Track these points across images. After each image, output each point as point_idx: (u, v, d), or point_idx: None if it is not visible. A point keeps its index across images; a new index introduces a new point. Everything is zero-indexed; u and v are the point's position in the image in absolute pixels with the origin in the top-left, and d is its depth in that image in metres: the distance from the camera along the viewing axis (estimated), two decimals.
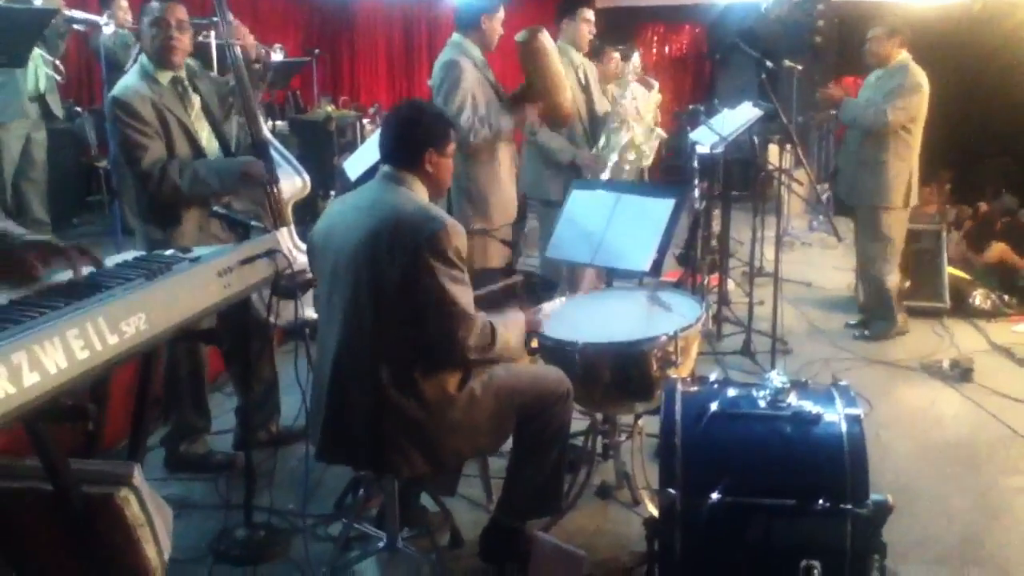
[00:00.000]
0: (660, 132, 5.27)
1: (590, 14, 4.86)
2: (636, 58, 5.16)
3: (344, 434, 2.60)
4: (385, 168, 2.69)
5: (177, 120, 3.30)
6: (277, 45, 7.11)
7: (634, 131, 5.00)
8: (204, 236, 3.28)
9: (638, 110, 5.03)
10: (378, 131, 3.06)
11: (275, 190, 3.51)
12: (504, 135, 4.11)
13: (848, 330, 5.36)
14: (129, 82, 3.28)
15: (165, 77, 3.32)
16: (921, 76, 4.93)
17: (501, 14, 4.18)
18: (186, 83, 3.39)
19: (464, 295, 2.52)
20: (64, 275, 1.97)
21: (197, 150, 3.36)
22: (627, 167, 4.94)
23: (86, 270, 1.99)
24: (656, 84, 5.60)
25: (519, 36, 4.01)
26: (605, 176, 4.82)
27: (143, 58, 3.33)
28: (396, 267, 2.47)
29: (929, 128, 5.08)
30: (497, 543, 2.89)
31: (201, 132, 3.40)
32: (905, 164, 5.01)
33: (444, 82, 4.03)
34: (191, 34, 3.38)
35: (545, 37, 4.06)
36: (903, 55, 5.01)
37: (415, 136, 2.67)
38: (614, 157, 4.93)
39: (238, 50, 3.49)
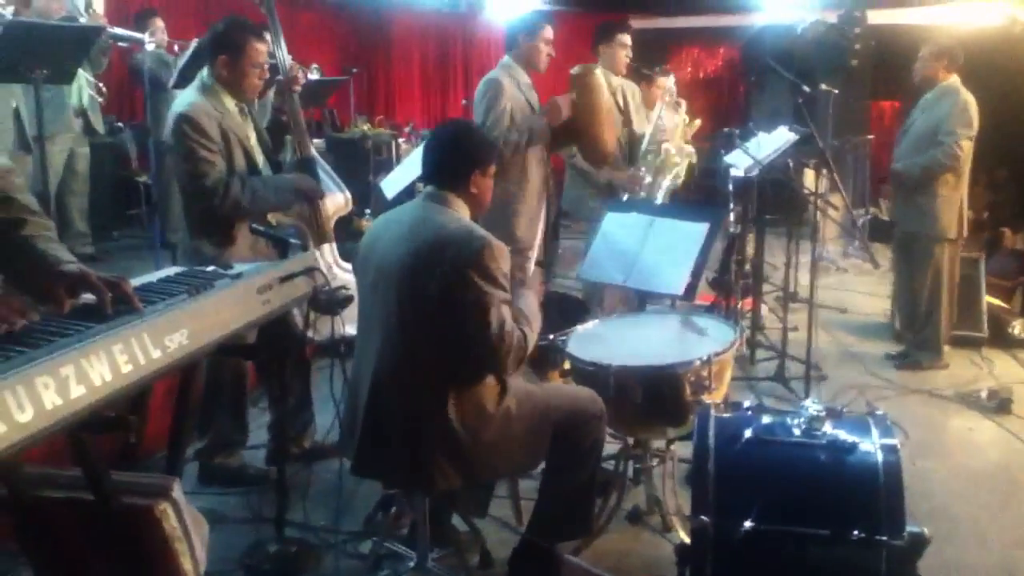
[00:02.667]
0: (691, 150, 5.28)
1: (627, 39, 4.91)
2: (671, 82, 5.19)
3: (380, 448, 2.62)
4: (428, 188, 2.71)
5: (239, 141, 3.35)
6: (314, 65, 7.22)
7: (670, 152, 5.03)
8: (254, 255, 3.31)
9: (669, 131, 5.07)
10: (416, 151, 3.11)
11: (320, 206, 3.56)
12: (537, 138, 4.07)
13: (886, 359, 5.28)
14: (194, 99, 3.30)
15: (230, 102, 3.37)
16: (970, 99, 4.86)
17: (546, 33, 4.20)
18: (246, 109, 3.45)
19: (506, 315, 2.54)
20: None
21: (255, 171, 3.41)
22: (665, 184, 4.98)
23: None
24: (684, 104, 5.61)
25: (574, 70, 4.06)
26: (643, 195, 4.85)
27: (207, 79, 3.35)
28: (438, 285, 2.49)
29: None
30: (527, 565, 2.88)
31: (258, 157, 3.46)
32: (956, 194, 4.95)
33: (484, 97, 4.08)
34: None
35: (599, 74, 4.10)
36: (952, 79, 4.95)
37: (462, 158, 2.69)
38: (649, 178, 4.96)
39: (288, 68, 3.57)
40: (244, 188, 3.29)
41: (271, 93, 3.80)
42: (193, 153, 3.24)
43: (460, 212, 2.67)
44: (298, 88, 3.70)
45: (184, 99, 3.34)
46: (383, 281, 2.60)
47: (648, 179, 4.95)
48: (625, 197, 4.81)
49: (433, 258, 2.51)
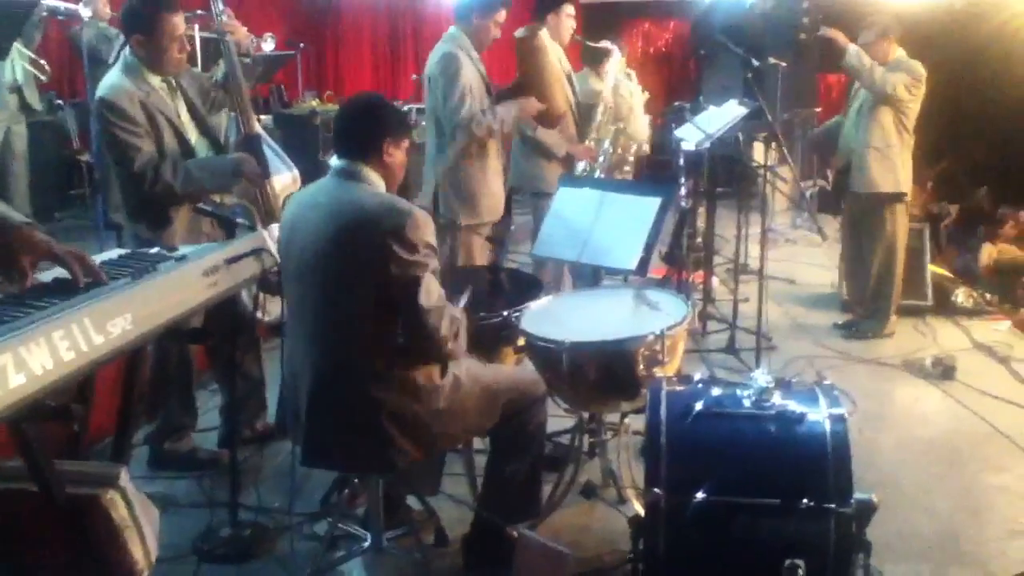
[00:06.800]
0: (644, 142, 5.34)
1: (572, 9, 4.91)
2: (617, 54, 5.21)
3: (330, 437, 2.59)
4: (340, 163, 2.63)
5: (167, 120, 3.25)
6: (268, 34, 7.06)
7: (621, 123, 5.06)
8: (194, 235, 3.24)
9: (631, 105, 5.09)
10: None
11: (267, 185, 3.48)
12: (507, 129, 4.10)
13: (834, 329, 5.37)
14: (116, 81, 3.20)
15: (155, 78, 3.27)
16: (921, 69, 4.90)
17: (499, 16, 4.16)
18: (174, 83, 3.35)
19: (434, 286, 2.50)
20: (46, 274, 1.94)
21: (187, 149, 3.32)
22: (631, 157, 5.01)
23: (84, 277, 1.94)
24: (633, 74, 5.65)
25: (519, 32, 4.04)
26: (600, 162, 4.87)
27: (130, 57, 3.25)
28: (365, 263, 2.44)
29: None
30: (481, 546, 2.90)
31: (190, 133, 3.37)
32: (908, 154, 5.02)
33: (443, 75, 4.05)
34: None
35: (545, 36, 4.08)
36: (899, 51, 4.99)
37: (373, 125, 2.63)
38: (607, 147, 4.98)
39: (231, 43, 3.45)
40: (176, 172, 3.20)
41: (220, 66, 3.67)
42: (116, 139, 3.16)
43: (376, 185, 2.60)
44: (232, 35, 3.48)
45: (106, 81, 3.24)
46: (309, 268, 2.53)
47: (607, 148, 4.97)
48: (581, 166, 4.82)
49: (357, 238, 2.45)
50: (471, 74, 4.07)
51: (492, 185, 4.27)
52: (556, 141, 4.76)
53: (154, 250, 2.31)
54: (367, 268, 2.44)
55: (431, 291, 2.48)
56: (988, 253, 6.22)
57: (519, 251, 6.27)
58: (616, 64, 5.25)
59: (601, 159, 4.94)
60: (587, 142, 4.93)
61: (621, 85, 5.41)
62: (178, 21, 3.23)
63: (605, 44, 5.28)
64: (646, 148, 5.51)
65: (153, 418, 3.61)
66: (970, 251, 6.40)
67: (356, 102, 2.78)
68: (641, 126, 5.44)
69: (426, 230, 2.48)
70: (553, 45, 4.73)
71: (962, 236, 6.79)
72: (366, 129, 2.64)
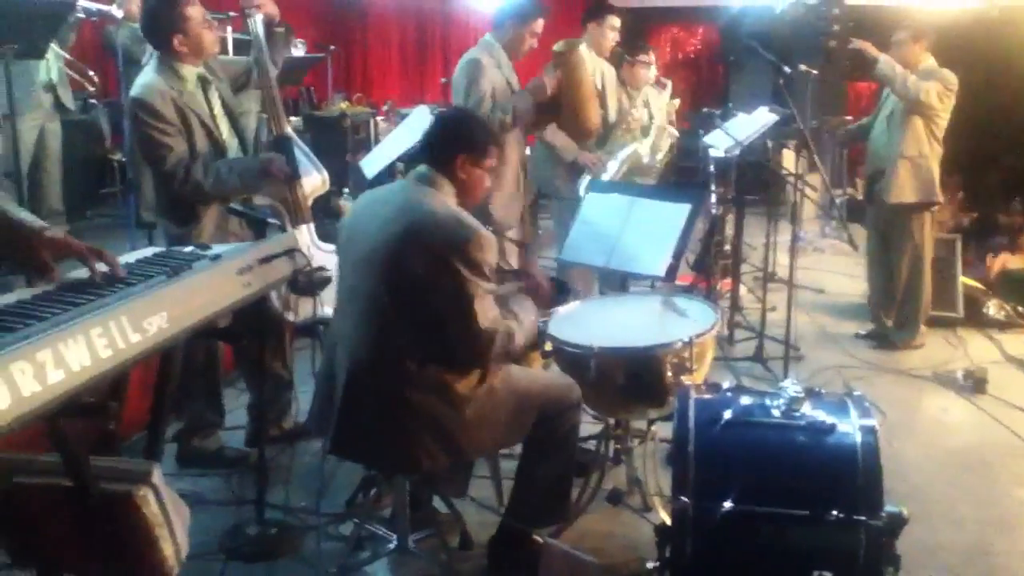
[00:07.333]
0: (673, 131, 5.28)
1: (617, 22, 4.90)
2: (652, 71, 5.20)
3: (360, 429, 2.60)
4: (421, 168, 2.69)
5: (198, 119, 3.29)
6: (299, 41, 7.11)
7: (640, 144, 5.03)
8: (222, 233, 3.28)
9: (651, 116, 5.06)
10: (395, 130, 3.07)
11: (297, 186, 3.51)
12: (522, 116, 4.05)
13: (862, 339, 5.31)
14: (149, 80, 3.24)
15: (191, 73, 3.30)
16: (953, 78, 4.84)
17: (536, 26, 4.15)
18: (209, 79, 3.38)
19: (488, 308, 2.52)
20: (82, 271, 1.97)
21: (217, 148, 3.35)
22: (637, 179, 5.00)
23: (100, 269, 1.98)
24: (669, 84, 5.62)
25: (557, 47, 4.03)
26: (606, 173, 4.86)
27: (162, 56, 3.28)
28: (421, 269, 2.47)
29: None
30: (505, 551, 2.89)
31: (222, 129, 3.39)
32: (937, 163, 4.97)
33: (463, 79, 4.05)
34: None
35: (583, 51, 4.07)
36: (930, 60, 4.93)
37: (449, 137, 2.69)
38: (614, 164, 4.95)
39: (259, 20, 3.46)
40: (207, 172, 3.23)
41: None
42: (149, 137, 3.20)
43: (448, 197, 2.64)
44: (258, 8, 3.48)
45: (139, 81, 3.29)
46: (366, 262, 2.58)
47: (614, 166, 4.93)
48: (587, 177, 4.81)
49: (419, 242, 2.49)
50: (494, 82, 4.05)
51: (506, 188, 4.22)
52: (565, 144, 4.74)
53: (188, 249, 2.33)
54: (423, 275, 2.47)
55: (486, 312, 2.50)
56: (1001, 262, 6.13)
57: (545, 255, 6.25)
58: (647, 78, 5.23)
59: (607, 171, 4.91)
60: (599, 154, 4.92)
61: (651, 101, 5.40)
62: (196, 6, 3.27)
63: (642, 59, 5.26)
64: (647, 158, 5.44)
65: (180, 415, 3.65)
66: (983, 260, 6.32)
67: (444, 113, 2.85)
68: (655, 143, 5.38)
69: (489, 251, 2.51)
70: (591, 57, 4.72)
71: (978, 245, 6.72)
72: (443, 140, 2.70)
